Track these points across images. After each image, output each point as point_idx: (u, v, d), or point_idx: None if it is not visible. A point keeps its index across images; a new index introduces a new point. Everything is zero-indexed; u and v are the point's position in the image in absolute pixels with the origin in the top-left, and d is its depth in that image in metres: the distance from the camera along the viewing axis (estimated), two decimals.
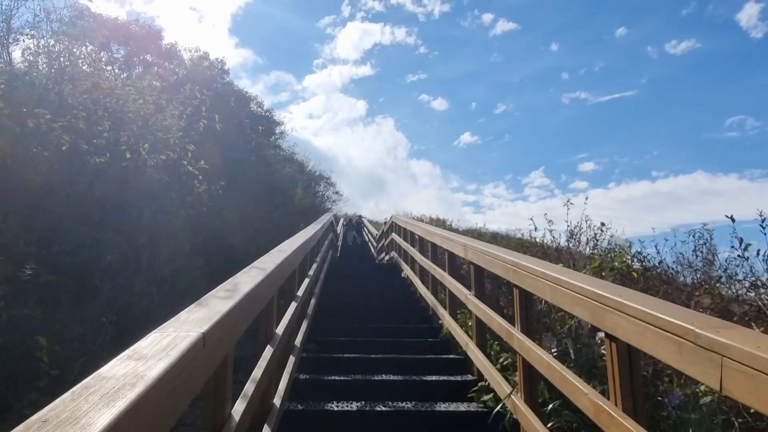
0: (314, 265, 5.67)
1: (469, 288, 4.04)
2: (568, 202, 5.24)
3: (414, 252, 7.13)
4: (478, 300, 3.74)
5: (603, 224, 5.86)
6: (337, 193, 30.68)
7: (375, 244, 16.18)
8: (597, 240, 5.69)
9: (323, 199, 29.52)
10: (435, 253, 6.00)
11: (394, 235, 10.18)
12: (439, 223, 19.92)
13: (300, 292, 4.01)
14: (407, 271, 7.76)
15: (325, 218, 8.36)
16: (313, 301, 5.50)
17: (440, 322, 5.26)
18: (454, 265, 4.96)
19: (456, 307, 4.87)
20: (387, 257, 11.75)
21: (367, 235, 21.74)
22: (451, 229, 16.69)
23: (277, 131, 22.21)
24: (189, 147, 5.65)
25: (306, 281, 4.67)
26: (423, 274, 6.69)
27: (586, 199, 5.28)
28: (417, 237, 7.00)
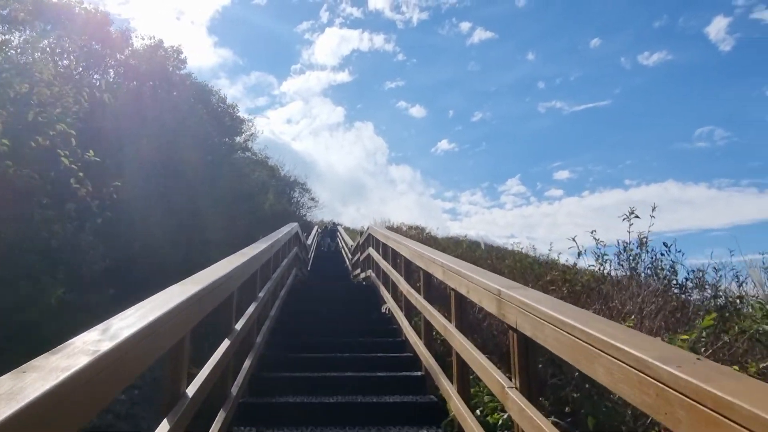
0: (253, 305, 3.81)
1: (508, 373, 2.24)
2: (631, 215, 3.49)
3: (398, 278, 5.31)
4: (534, 409, 1.92)
5: (666, 245, 4.16)
6: (312, 199, 28.84)
7: (350, 256, 14.31)
8: (663, 267, 3.98)
9: (298, 205, 27.49)
10: (429, 284, 4.21)
11: (371, 251, 8.34)
12: (418, 231, 18.21)
13: (191, 390, 2.15)
14: (390, 303, 5.92)
15: (283, 231, 6.48)
16: (247, 363, 3.64)
17: (440, 391, 3.48)
18: (468, 313, 3.17)
19: (468, 381, 3.09)
20: (363, 275, 9.90)
21: (341, 242, 20.02)
22: (429, 238, 14.87)
23: (244, 131, 20.18)
24: (60, 126, 3.71)
25: (225, 344, 2.81)
26: (410, 309, 4.89)
27: (653, 210, 3.52)
28: (402, 258, 5.18)
